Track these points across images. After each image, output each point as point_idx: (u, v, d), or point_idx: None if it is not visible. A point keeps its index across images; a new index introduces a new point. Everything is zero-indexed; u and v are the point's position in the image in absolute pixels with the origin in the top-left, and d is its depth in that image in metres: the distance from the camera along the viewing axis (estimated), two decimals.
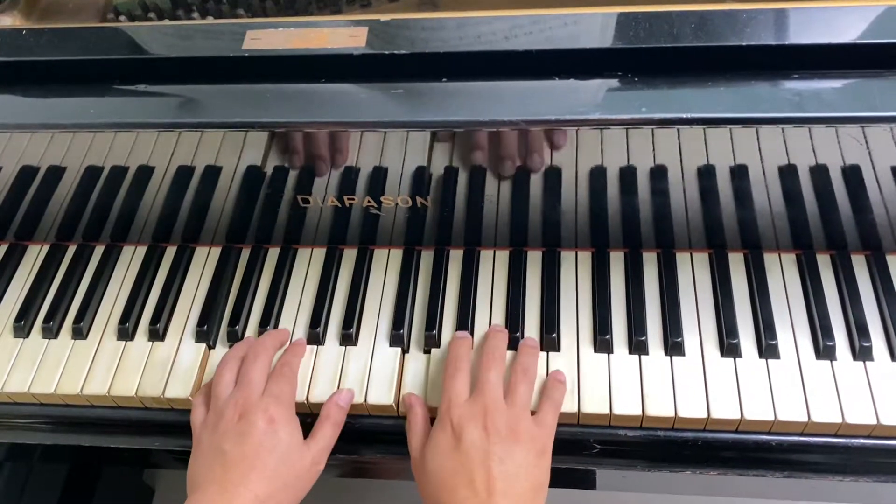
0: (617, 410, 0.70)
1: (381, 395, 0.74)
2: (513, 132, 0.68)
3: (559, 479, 0.70)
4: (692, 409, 0.70)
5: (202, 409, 0.71)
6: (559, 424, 0.70)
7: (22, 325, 0.81)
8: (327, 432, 0.70)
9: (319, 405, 0.73)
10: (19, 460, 1.11)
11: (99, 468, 1.26)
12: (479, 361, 0.71)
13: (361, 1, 0.82)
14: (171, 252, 0.87)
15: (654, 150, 0.69)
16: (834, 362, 0.72)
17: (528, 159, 0.72)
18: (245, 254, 0.86)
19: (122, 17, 0.83)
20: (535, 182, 0.74)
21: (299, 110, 0.67)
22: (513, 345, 0.75)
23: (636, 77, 0.65)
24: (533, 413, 0.69)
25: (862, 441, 0.69)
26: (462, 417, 0.66)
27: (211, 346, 0.80)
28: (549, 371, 0.73)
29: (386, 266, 0.83)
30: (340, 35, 0.69)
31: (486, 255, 0.83)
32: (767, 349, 0.72)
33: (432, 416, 0.71)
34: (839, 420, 0.68)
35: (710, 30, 0.65)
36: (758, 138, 0.67)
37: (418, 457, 0.68)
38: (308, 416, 0.73)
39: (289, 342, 0.78)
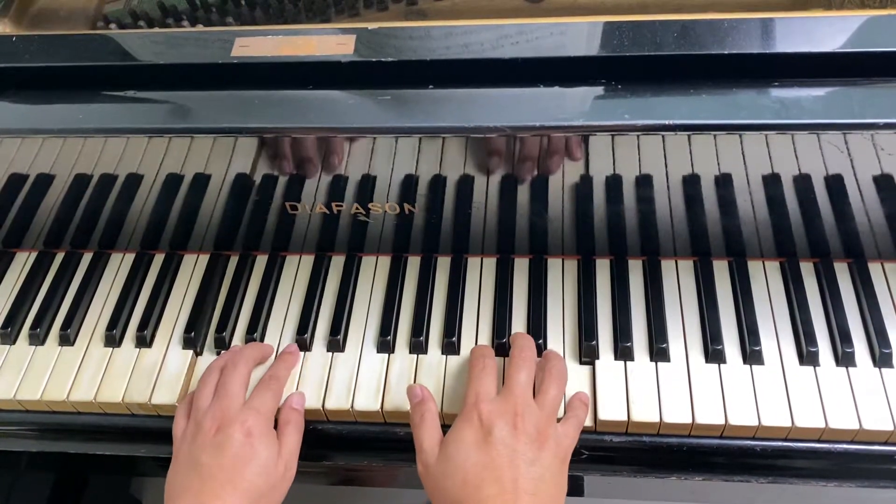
0: (602, 416, 0.71)
1: (367, 401, 0.74)
2: (501, 139, 0.69)
3: None
4: (677, 414, 0.70)
5: (183, 420, 0.71)
6: None
7: (8, 331, 0.81)
8: (292, 437, 0.70)
9: (307, 412, 0.74)
10: (4, 469, 1.11)
11: (85, 478, 1.26)
12: (510, 361, 0.70)
13: (350, 10, 0.83)
14: (158, 259, 0.87)
15: (639, 158, 0.70)
16: (817, 368, 0.72)
17: (516, 167, 0.72)
18: (233, 261, 0.86)
19: (113, 25, 0.84)
20: (523, 190, 0.75)
21: (288, 116, 0.68)
22: (498, 351, 0.75)
23: (620, 85, 0.66)
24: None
25: (845, 446, 0.70)
26: (492, 413, 0.64)
27: (198, 353, 0.80)
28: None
29: (374, 273, 0.84)
30: (329, 43, 0.70)
31: (473, 263, 0.83)
32: (751, 355, 0.73)
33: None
34: (822, 425, 0.68)
35: (693, 39, 0.66)
36: (742, 147, 0.68)
37: (433, 452, 0.65)
38: None
39: (274, 355, 0.78)
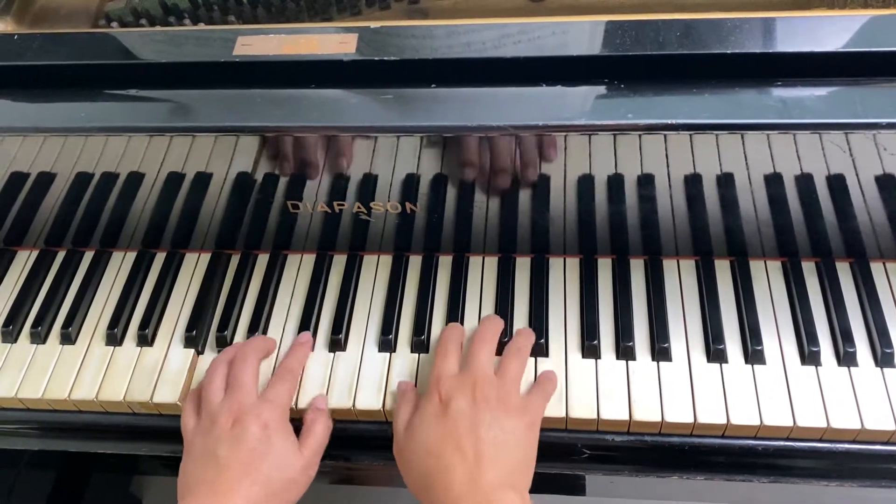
0: (604, 415, 0.71)
1: (369, 399, 0.74)
2: (501, 138, 0.69)
3: (548, 485, 0.70)
4: (679, 414, 0.70)
5: (193, 415, 0.71)
6: (547, 430, 0.70)
7: (10, 329, 0.81)
8: (317, 436, 0.70)
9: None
10: (6, 467, 1.11)
11: (87, 476, 1.26)
12: (471, 340, 0.71)
13: (352, 9, 0.83)
14: (160, 258, 0.87)
15: (641, 158, 0.70)
16: (819, 368, 0.72)
17: (517, 167, 0.72)
18: (235, 259, 0.86)
19: (114, 23, 0.84)
20: (524, 189, 0.75)
21: (289, 115, 0.68)
22: (499, 350, 0.75)
23: (623, 84, 0.66)
24: None
25: (847, 446, 0.70)
26: (451, 388, 0.66)
27: (200, 352, 0.79)
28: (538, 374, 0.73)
29: (375, 272, 0.84)
30: (331, 41, 0.70)
31: (475, 262, 0.83)
32: (753, 355, 0.73)
33: None
34: (824, 425, 0.69)
35: (696, 38, 0.66)
36: (744, 146, 0.68)
37: (403, 432, 0.67)
38: (298, 421, 0.73)
39: (276, 351, 0.78)
